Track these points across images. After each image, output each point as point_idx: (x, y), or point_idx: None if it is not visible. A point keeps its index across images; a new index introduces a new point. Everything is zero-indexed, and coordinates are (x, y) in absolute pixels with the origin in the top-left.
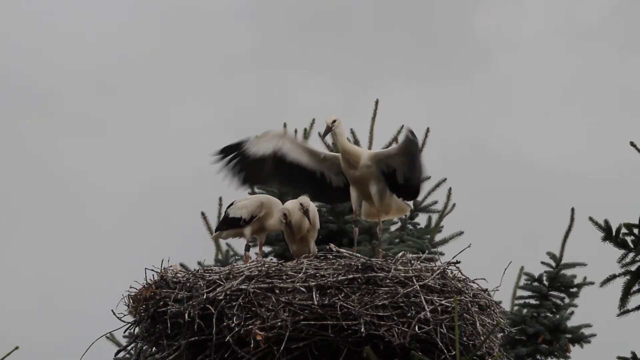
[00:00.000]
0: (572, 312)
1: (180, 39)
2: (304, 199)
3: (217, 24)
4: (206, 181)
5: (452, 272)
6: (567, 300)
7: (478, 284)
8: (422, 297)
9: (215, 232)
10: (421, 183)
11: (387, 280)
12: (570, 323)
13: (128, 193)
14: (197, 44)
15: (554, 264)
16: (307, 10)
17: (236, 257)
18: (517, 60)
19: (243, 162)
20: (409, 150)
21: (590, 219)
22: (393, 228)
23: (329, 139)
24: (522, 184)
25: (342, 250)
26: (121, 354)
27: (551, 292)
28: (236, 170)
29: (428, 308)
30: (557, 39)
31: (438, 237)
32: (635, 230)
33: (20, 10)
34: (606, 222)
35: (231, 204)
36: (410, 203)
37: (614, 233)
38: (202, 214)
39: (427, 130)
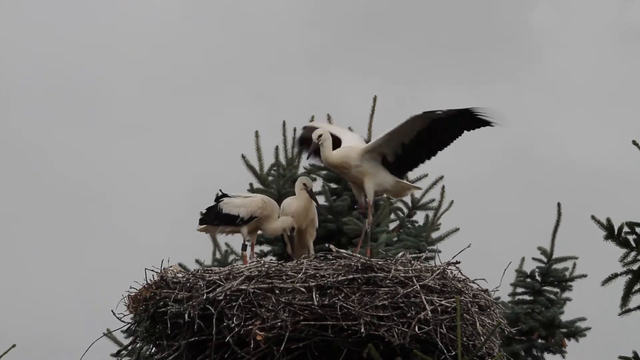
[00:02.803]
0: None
1: (230, 40)
2: (306, 178)
3: (268, 25)
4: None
5: (451, 272)
6: (560, 295)
7: (478, 284)
8: (423, 297)
9: (202, 224)
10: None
11: (387, 281)
12: (564, 317)
13: (173, 195)
14: (245, 45)
15: (545, 259)
16: (358, 11)
17: (236, 258)
18: (567, 60)
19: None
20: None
21: (593, 217)
22: (391, 226)
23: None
24: (567, 184)
25: (342, 250)
26: (121, 354)
27: (544, 288)
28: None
29: (428, 308)
30: (608, 38)
31: (435, 235)
32: (638, 229)
33: (69, 11)
34: (608, 220)
35: (222, 197)
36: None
37: (615, 232)
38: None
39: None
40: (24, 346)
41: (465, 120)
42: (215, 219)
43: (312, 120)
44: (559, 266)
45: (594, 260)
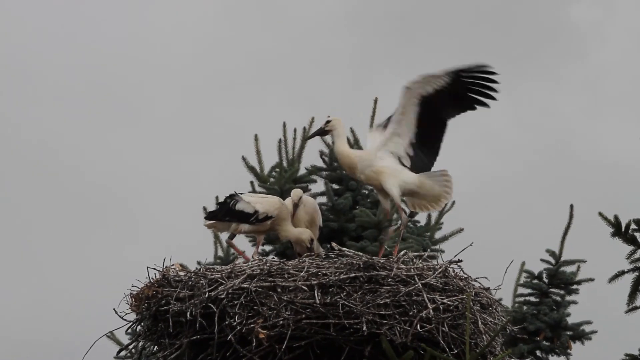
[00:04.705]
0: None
1: (270, 41)
2: (298, 191)
3: (309, 26)
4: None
5: (453, 271)
6: (567, 297)
7: (480, 283)
8: (425, 296)
9: (211, 219)
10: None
11: (389, 279)
12: (570, 320)
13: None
14: (286, 47)
15: (553, 261)
16: (397, 11)
17: (237, 255)
18: (609, 57)
19: None
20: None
21: (600, 214)
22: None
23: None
24: (603, 183)
25: (344, 249)
26: (123, 353)
27: (551, 290)
28: None
29: (430, 306)
30: None
31: (438, 235)
32: None
33: (108, 16)
34: (616, 217)
35: (233, 195)
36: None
37: (623, 229)
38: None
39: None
40: (24, 346)
41: (458, 91)
42: (226, 214)
43: (312, 121)
44: (567, 269)
45: (603, 262)
